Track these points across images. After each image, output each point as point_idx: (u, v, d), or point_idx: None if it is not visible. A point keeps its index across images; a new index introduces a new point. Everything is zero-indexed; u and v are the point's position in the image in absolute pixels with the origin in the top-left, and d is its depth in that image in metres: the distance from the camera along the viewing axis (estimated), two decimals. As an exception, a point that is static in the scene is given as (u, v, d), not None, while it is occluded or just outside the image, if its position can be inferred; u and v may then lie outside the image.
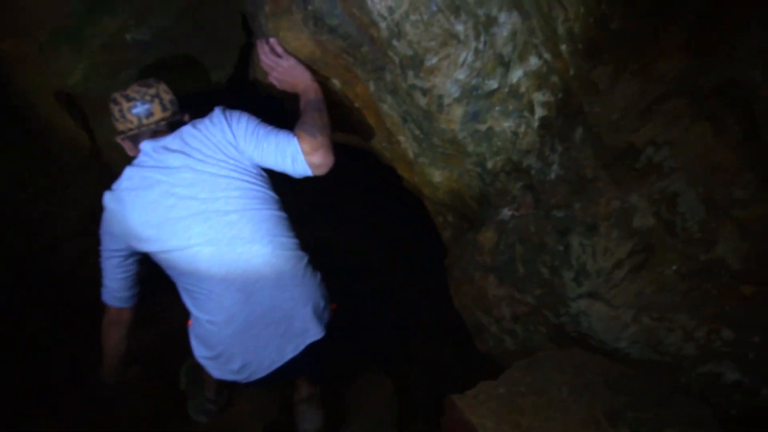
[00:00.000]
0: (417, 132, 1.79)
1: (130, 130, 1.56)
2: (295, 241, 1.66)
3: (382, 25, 1.45)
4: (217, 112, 1.65)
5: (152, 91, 1.57)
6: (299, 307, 1.56)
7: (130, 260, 1.69)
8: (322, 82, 1.83)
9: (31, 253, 2.05)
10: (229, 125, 1.59)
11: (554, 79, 1.42)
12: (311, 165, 1.55)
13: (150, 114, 1.55)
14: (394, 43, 1.49)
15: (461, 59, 1.47)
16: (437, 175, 1.85)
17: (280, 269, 1.55)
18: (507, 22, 1.38)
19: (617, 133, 1.34)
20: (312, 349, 1.61)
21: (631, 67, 1.31)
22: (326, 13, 1.51)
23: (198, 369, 2.08)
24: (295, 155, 1.54)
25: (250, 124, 1.61)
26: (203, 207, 1.48)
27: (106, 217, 1.59)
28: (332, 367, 1.91)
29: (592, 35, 1.30)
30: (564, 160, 1.48)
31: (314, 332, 1.60)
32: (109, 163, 2.52)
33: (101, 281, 1.75)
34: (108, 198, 1.58)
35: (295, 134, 1.58)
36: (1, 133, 1.92)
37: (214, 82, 2.40)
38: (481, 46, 1.44)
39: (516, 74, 1.47)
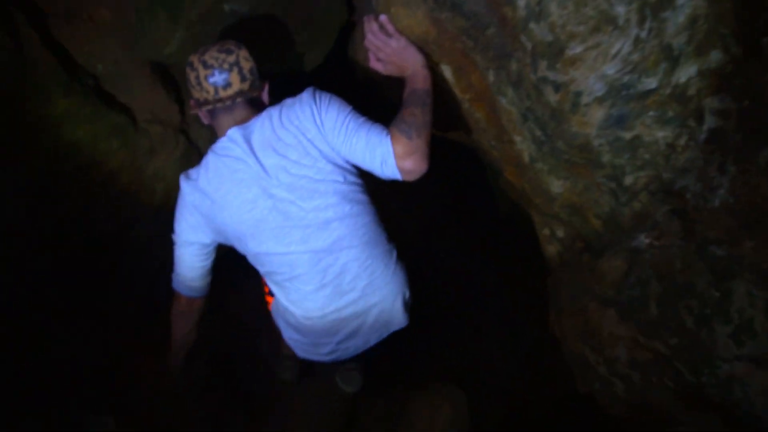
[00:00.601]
0: (538, 133, 1.52)
1: (207, 101, 1.41)
2: (385, 236, 1.61)
3: (521, 2, 1.19)
4: (307, 96, 1.46)
5: (232, 58, 1.39)
6: (388, 303, 1.58)
7: (209, 249, 1.59)
8: (431, 67, 1.61)
9: (107, 233, 2.00)
10: (320, 113, 1.43)
11: (740, 81, 1.11)
12: (402, 170, 1.39)
13: (228, 84, 1.38)
14: (531, 25, 1.23)
15: (615, 50, 1.19)
16: (556, 185, 1.58)
17: (374, 270, 1.53)
18: (687, 4, 1.08)
19: (826, 159, 1.01)
20: (393, 335, 1.68)
21: None
22: (451, -14, 1.27)
23: None
24: (386, 157, 1.38)
25: (341, 113, 1.45)
26: (303, 213, 1.41)
27: (187, 206, 1.49)
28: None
29: (808, 27, 0.98)
30: (737, 185, 1.16)
31: (399, 322, 1.66)
32: (196, 139, 2.44)
33: (174, 268, 1.65)
34: (190, 188, 1.46)
35: (389, 132, 1.40)
36: (90, 103, 1.85)
37: (310, 60, 2.24)
38: (644, 34, 1.15)
39: (686, 72, 1.16)
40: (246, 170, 1.41)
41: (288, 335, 1.66)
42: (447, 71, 1.64)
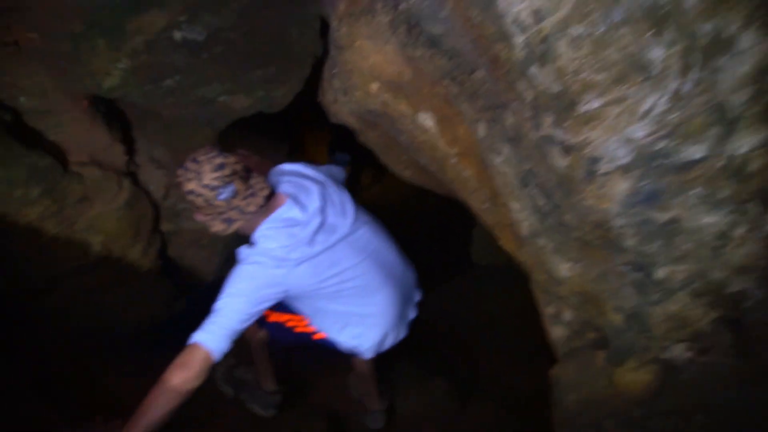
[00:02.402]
0: (541, 202, 1.20)
1: (221, 214, 1.47)
2: None
3: (518, 40, 0.88)
4: (313, 171, 1.69)
5: (227, 171, 1.42)
6: (413, 280, 1.88)
7: None
8: (404, 115, 1.29)
9: (26, 291, 1.66)
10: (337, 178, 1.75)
11: (827, 157, 0.78)
12: None
13: (235, 193, 1.45)
14: (533, 71, 0.91)
15: (646, 106, 0.87)
16: (564, 268, 1.24)
17: (400, 257, 1.81)
18: (751, 48, 0.77)
19: None
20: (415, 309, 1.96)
21: None
22: (426, 16, 0.97)
23: (235, 371, 2.22)
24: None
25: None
26: (362, 236, 1.67)
27: (276, 288, 1.50)
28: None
29: None
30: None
31: (418, 295, 1.94)
32: (146, 182, 2.13)
33: (212, 319, 1.41)
34: (287, 272, 1.49)
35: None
36: (11, 145, 1.54)
37: (278, 99, 1.93)
38: (687, 87, 0.83)
39: (746, 141, 0.84)
40: (328, 232, 1.57)
41: (366, 346, 1.78)
42: (428, 120, 1.32)
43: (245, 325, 1.45)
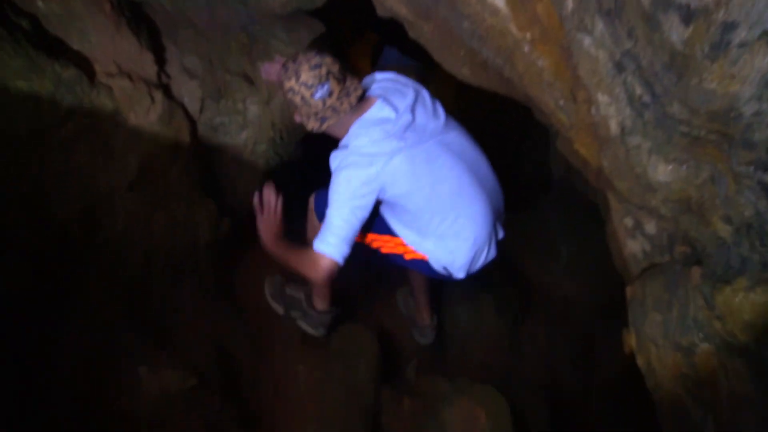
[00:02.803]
0: (640, 91, 0.99)
1: (316, 113, 1.53)
2: None
3: None
4: (407, 79, 1.66)
5: (324, 70, 1.49)
6: (502, 197, 1.80)
7: None
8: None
9: (66, 222, 1.59)
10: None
11: None
12: None
13: (330, 93, 1.50)
14: None
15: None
16: (662, 172, 1.06)
17: (492, 170, 1.75)
18: None
19: None
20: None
21: None
22: None
23: (286, 288, 2.23)
24: None
25: None
26: (451, 138, 1.63)
27: (384, 176, 1.54)
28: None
29: None
30: None
31: (503, 214, 1.85)
32: (180, 94, 1.98)
33: (342, 236, 1.55)
34: (382, 166, 1.52)
35: None
36: (22, 53, 1.41)
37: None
38: None
39: None
40: (419, 131, 1.56)
41: (459, 263, 1.73)
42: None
43: (359, 225, 1.57)
